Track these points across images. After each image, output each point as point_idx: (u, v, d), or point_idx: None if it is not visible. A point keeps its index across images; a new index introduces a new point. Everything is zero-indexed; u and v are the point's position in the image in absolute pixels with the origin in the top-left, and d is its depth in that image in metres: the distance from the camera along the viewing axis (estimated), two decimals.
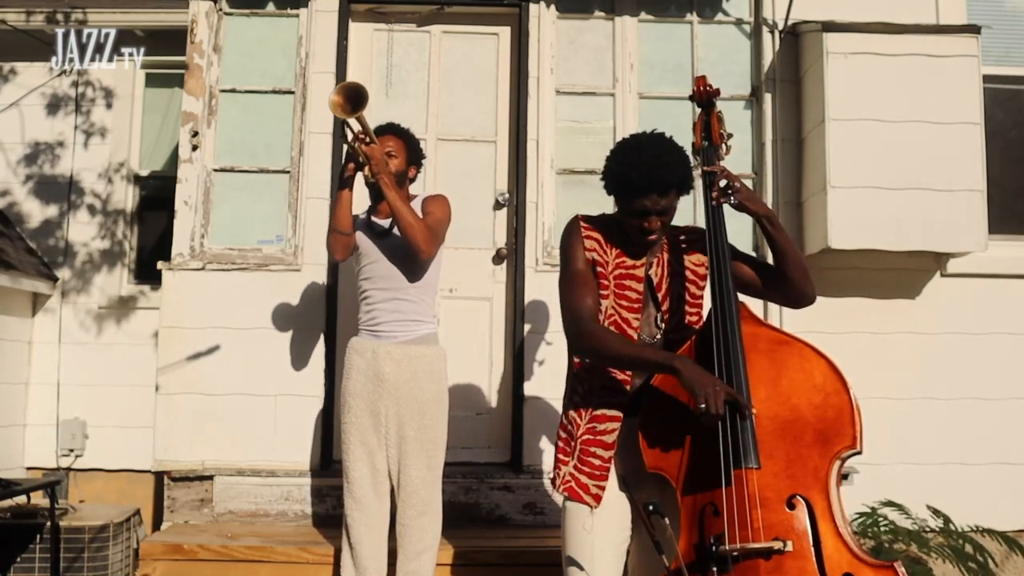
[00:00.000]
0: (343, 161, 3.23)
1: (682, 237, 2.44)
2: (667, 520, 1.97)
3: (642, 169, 2.21)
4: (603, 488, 2.28)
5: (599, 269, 2.34)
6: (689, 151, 2.39)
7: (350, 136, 3.14)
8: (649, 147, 2.25)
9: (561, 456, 2.37)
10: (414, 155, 3.34)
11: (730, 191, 2.30)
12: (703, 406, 2.01)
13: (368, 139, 3.12)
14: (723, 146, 2.46)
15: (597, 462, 2.29)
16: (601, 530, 2.28)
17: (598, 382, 2.33)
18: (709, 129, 2.48)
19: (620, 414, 2.30)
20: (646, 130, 2.37)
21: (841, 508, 2.09)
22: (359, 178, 3.21)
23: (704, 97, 2.53)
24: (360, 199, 3.34)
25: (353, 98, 3.02)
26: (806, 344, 2.17)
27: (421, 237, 3.09)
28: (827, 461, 2.06)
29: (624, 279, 2.34)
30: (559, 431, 2.42)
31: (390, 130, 3.32)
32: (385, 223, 3.23)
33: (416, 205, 3.24)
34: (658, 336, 2.36)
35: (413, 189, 3.40)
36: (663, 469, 2.17)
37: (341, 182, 3.23)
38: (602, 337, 2.22)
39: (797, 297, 2.41)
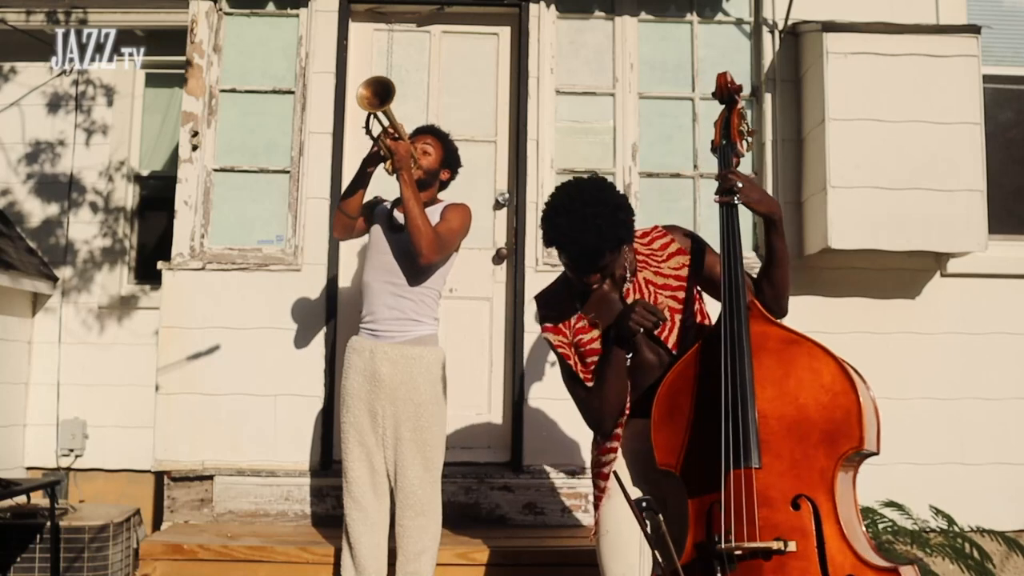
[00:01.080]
0: (366, 158, 3.22)
1: (653, 246, 2.45)
2: (661, 517, 1.98)
3: (572, 237, 2.19)
4: (597, 521, 2.39)
5: (565, 359, 2.41)
6: (708, 148, 2.39)
7: (376, 130, 3.13)
8: (581, 208, 2.19)
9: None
10: (450, 159, 3.35)
11: (735, 192, 2.28)
12: (638, 327, 2.19)
13: (396, 134, 3.12)
14: (743, 142, 2.43)
15: (597, 492, 2.42)
16: (625, 528, 2.31)
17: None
18: (728, 126, 2.44)
19: (617, 444, 2.38)
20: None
21: (855, 510, 2.09)
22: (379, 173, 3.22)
23: (726, 93, 2.47)
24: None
25: (381, 92, 3.04)
26: (816, 344, 2.15)
27: (425, 241, 3.08)
28: (833, 462, 2.04)
29: (588, 356, 2.39)
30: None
31: (430, 131, 3.37)
32: (403, 220, 3.22)
33: (437, 210, 3.25)
34: (660, 351, 2.38)
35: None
36: (672, 466, 2.19)
37: (357, 177, 3.24)
38: (602, 401, 2.34)
39: (772, 306, 2.35)
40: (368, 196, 3.32)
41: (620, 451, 2.39)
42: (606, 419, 2.36)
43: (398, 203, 3.31)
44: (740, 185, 2.28)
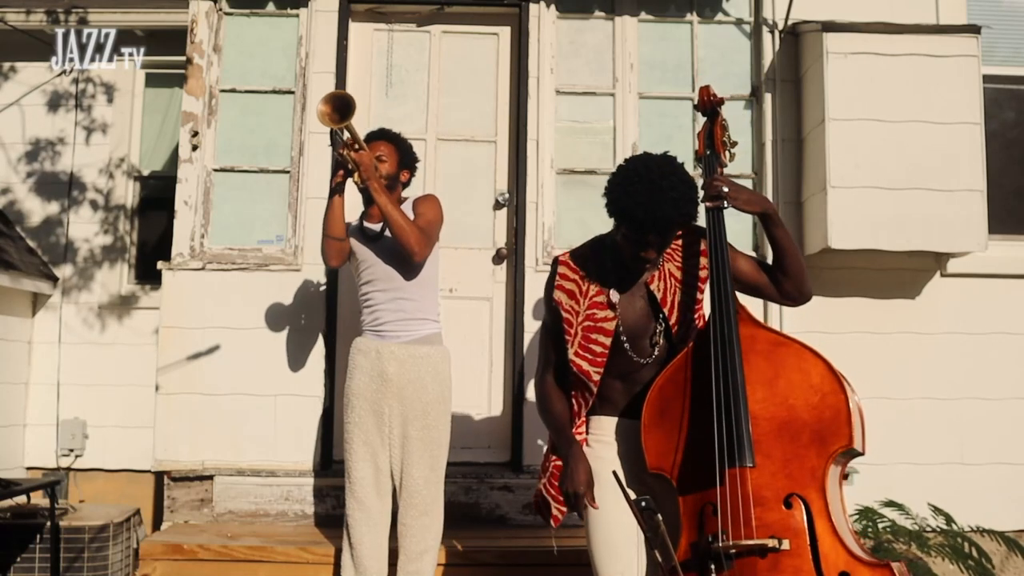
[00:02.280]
0: (332, 169, 3.25)
1: (680, 241, 2.44)
2: (660, 516, 1.98)
3: (648, 207, 2.15)
4: (564, 512, 2.40)
5: (566, 326, 2.36)
6: (692, 158, 2.40)
7: (339, 143, 3.16)
8: (659, 179, 2.17)
9: (540, 471, 2.52)
10: (406, 159, 3.36)
11: (722, 197, 2.30)
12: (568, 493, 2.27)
13: (357, 145, 3.15)
14: (727, 153, 2.48)
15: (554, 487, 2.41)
16: (618, 529, 2.31)
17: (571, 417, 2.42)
18: (712, 137, 2.49)
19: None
20: (653, 151, 2.32)
21: (842, 507, 2.10)
22: (350, 184, 3.23)
23: (708, 106, 2.53)
24: (352, 206, 3.38)
25: (341, 107, 3.06)
26: (803, 345, 2.18)
27: (413, 239, 3.11)
28: (824, 460, 2.07)
29: (592, 332, 2.35)
30: (545, 446, 2.55)
31: (381, 135, 3.36)
32: (377, 227, 3.27)
33: (407, 207, 3.27)
34: (655, 353, 2.36)
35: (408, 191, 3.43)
36: (664, 469, 2.19)
37: (331, 189, 3.26)
38: (542, 407, 2.46)
39: (794, 295, 2.41)
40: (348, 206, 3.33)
41: (614, 451, 2.38)
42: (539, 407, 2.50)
43: (364, 216, 3.34)
44: (726, 190, 2.30)
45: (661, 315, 2.36)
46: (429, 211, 3.24)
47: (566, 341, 2.36)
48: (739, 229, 4.26)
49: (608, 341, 2.34)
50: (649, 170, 2.20)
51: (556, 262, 2.45)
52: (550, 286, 2.43)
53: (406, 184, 3.40)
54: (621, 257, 2.33)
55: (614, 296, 2.36)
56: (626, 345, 2.35)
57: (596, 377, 2.34)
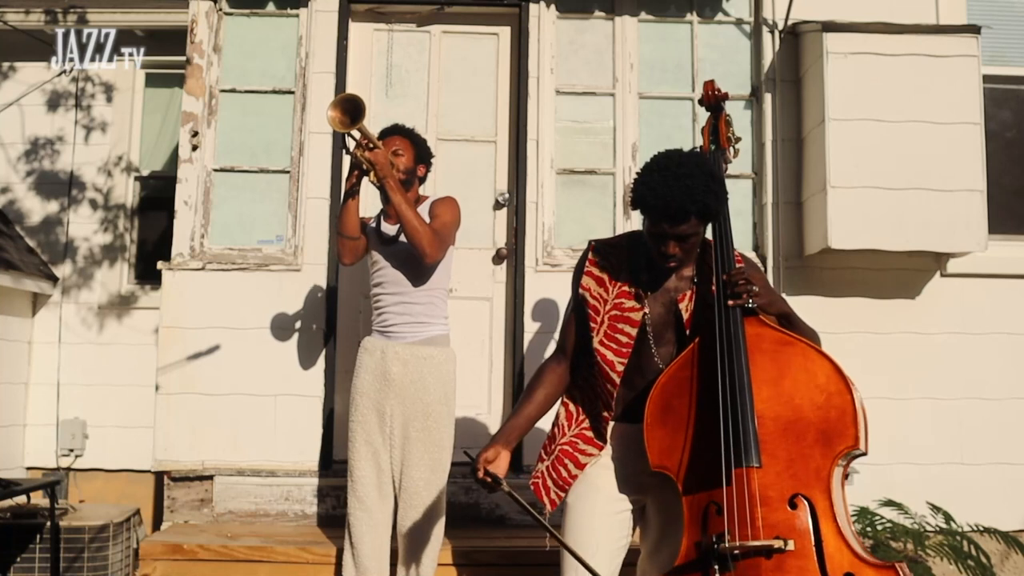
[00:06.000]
0: (348, 171, 3.23)
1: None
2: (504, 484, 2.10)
3: (660, 193, 2.12)
4: (561, 497, 2.40)
5: (589, 311, 2.33)
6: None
7: (351, 145, 3.14)
8: (674, 169, 2.14)
9: (542, 452, 2.50)
10: (422, 153, 3.35)
11: (749, 295, 2.19)
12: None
13: (371, 144, 3.12)
14: (731, 149, 2.47)
15: (564, 473, 2.40)
16: (587, 534, 2.32)
17: (590, 407, 2.39)
18: (717, 133, 2.48)
19: (601, 443, 2.36)
20: (653, 151, 2.26)
21: (845, 508, 2.09)
22: (365, 183, 3.20)
23: (713, 101, 2.52)
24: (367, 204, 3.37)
25: (351, 110, 3.03)
26: (809, 345, 2.16)
27: (426, 241, 3.09)
28: (829, 461, 2.06)
29: (618, 321, 2.32)
30: (552, 426, 2.50)
31: (396, 131, 3.35)
32: (392, 230, 3.25)
33: (425, 207, 3.26)
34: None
35: (423, 190, 3.42)
36: (667, 468, 2.17)
37: (346, 192, 3.24)
38: (529, 384, 2.44)
39: None
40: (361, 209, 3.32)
41: (608, 455, 2.36)
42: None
43: (382, 215, 3.33)
44: (755, 289, 2.20)
45: (684, 334, 2.32)
46: (446, 213, 3.23)
47: (591, 328, 2.33)
48: (741, 229, 4.27)
49: (634, 332, 2.30)
50: (669, 160, 2.18)
51: (588, 247, 2.41)
52: (579, 272, 2.39)
53: (422, 179, 3.38)
54: (652, 262, 2.30)
55: (642, 290, 2.32)
56: (651, 339, 2.31)
57: (620, 368, 2.30)
